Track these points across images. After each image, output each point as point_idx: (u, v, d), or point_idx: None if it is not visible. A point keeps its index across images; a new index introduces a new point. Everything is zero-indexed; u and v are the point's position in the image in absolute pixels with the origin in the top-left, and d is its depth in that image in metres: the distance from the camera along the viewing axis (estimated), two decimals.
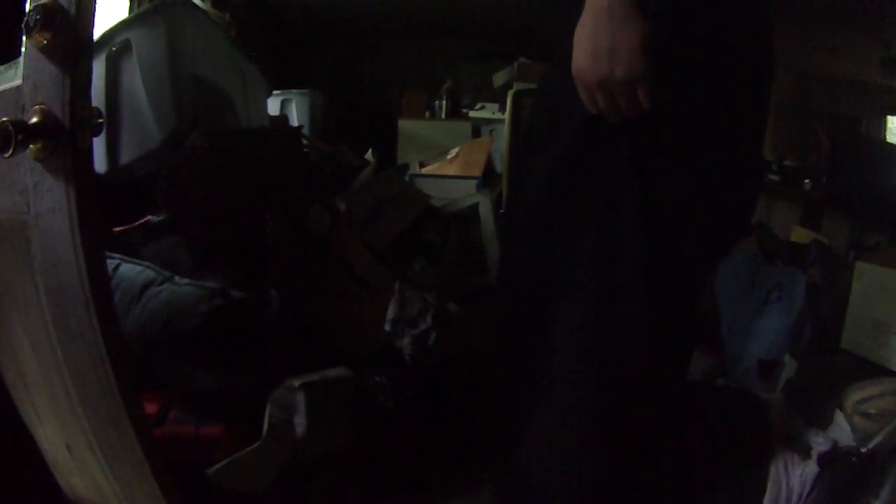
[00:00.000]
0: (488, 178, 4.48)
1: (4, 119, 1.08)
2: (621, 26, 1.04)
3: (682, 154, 1.19)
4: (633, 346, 1.24)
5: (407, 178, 4.17)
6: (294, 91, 5.91)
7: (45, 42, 1.11)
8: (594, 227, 1.22)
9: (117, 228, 2.17)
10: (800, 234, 3.77)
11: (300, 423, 1.85)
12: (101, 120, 1.22)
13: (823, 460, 1.92)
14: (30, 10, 1.10)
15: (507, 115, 4.96)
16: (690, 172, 1.19)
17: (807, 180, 5.13)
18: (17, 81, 1.19)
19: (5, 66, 1.29)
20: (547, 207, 1.31)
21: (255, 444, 1.76)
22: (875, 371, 2.33)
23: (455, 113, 6.74)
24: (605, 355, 1.25)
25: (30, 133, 1.10)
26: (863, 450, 1.93)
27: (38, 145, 1.12)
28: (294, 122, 5.63)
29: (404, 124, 6.60)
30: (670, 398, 1.39)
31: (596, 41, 1.06)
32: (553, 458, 1.32)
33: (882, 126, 5.47)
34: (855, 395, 2.13)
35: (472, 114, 6.45)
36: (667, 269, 1.22)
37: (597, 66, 1.06)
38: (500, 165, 4.95)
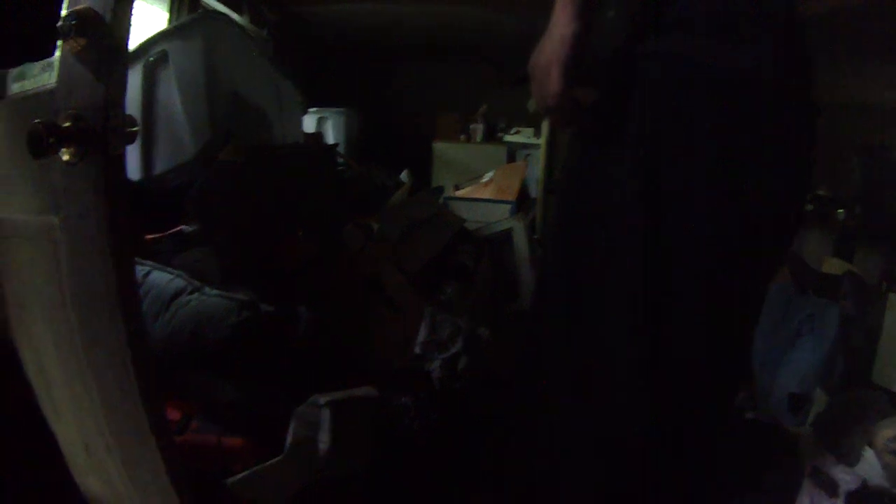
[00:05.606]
0: (522, 202, 4.47)
1: (38, 121, 1.08)
2: (554, 24, 1.22)
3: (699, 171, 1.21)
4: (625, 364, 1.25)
5: (441, 201, 4.16)
6: (330, 109, 5.94)
7: (79, 48, 1.11)
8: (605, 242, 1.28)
9: (150, 236, 2.18)
10: (832, 265, 3.69)
11: (323, 440, 1.82)
12: (135, 128, 1.22)
13: (851, 499, 1.87)
14: (65, 15, 1.10)
15: (542, 140, 4.96)
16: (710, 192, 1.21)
17: (840, 210, 5.06)
18: (52, 84, 1.19)
19: (40, 65, 1.30)
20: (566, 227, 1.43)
21: (277, 459, 1.75)
22: None
23: (490, 137, 6.74)
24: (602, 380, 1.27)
25: (62, 137, 1.10)
26: None
27: (70, 150, 1.11)
28: (329, 139, 5.66)
29: (439, 146, 6.61)
30: (699, 429, 1.37)
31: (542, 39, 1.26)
32: (565, 474, 1.33)
33: None
34: (886, 433, 2.05)
35: (507, 138, 6.45)
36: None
37: (534, 55, 1.25)
38: (535, 190, 4.94)
